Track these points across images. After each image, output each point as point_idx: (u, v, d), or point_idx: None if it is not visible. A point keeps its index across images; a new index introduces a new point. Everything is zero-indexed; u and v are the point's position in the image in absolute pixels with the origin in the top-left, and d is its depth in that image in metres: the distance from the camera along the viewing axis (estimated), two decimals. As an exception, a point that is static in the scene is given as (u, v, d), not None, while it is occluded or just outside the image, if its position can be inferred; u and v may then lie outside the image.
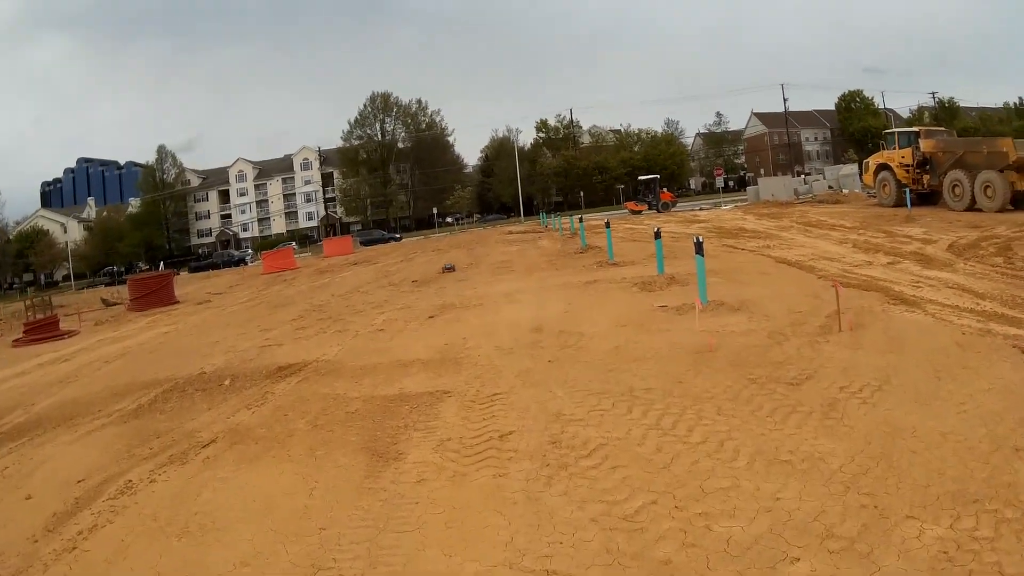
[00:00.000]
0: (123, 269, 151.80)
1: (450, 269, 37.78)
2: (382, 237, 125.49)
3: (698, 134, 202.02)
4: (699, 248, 18.76)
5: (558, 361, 14.68)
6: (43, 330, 36.07)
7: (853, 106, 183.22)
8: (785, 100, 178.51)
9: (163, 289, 47.06)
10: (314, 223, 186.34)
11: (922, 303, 17.32)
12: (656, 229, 26.10)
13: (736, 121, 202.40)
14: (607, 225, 33.53)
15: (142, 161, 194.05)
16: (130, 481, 10.85)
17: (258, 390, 15.65)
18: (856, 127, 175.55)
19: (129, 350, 25.58)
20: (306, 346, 20.45)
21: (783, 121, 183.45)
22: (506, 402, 12.21)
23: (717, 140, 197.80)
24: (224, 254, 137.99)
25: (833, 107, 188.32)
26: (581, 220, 46.23)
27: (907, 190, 48.72)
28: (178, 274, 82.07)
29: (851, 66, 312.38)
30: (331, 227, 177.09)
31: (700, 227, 48.19)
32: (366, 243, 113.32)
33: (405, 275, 39.54)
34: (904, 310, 16.70)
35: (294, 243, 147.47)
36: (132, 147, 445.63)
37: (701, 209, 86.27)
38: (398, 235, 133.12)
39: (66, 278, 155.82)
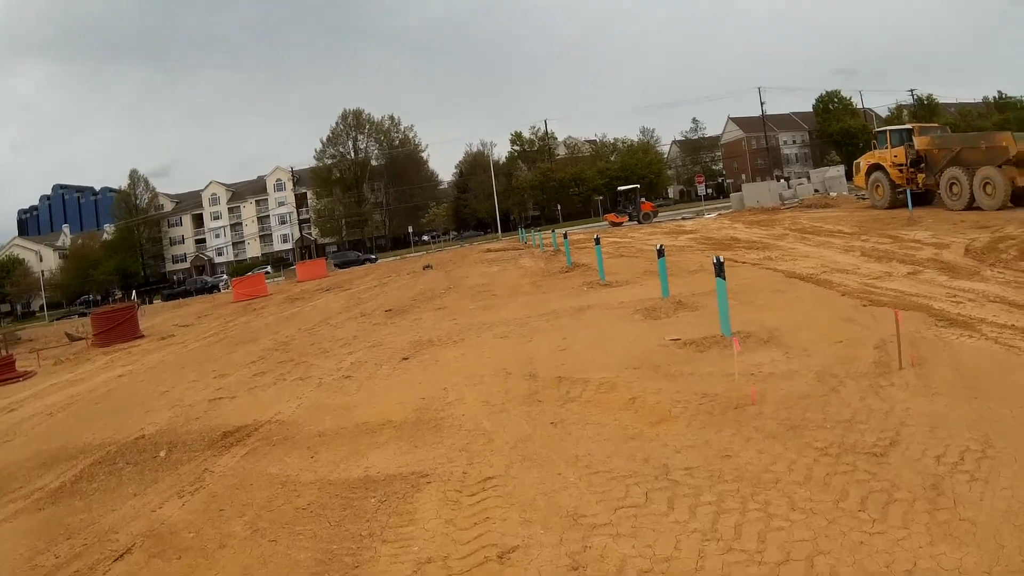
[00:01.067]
0: (99, 297, 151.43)
1: (429, 267, 35.50)
2: (357, 259, 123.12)
3: (674, 142, 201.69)
4: (720, 269, 15.89)
5: (563, 424, 11.80)
6: None
7: (831, 107, 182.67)
8: (762, 104, 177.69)
9: (127, 323, 44.71)
10: (289, 245, 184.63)
11: (974, 324, 15.00)
12: (659, 246, 23.31)
13: (712, 127, 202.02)
14: (597, 241, 30.56)
15: (118, 187, 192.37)
16: (16, 619, 8.13)
17: (196, 467, 12.93)
18: (835, 128, 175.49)
19: (77, 398, 23.37)
20: (261, 399, 17.73)
21: (760, 125, 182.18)
22: (503, 492, 9.32)
23: (694, 147, 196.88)
24: (197, 280, 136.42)
25: (810, 109, 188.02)
26: (566, 236, 43.06)
27: (907, 191, 46.62)
28: (142, 305, 79.55)
29: (823, 68, 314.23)
30: (306, 249, 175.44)
31: (688, 238, 46.10)
32: (341, 265, 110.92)
33: (379, 303, 36.71)
34: (959, 334, 14.31)
35: (269, 267, 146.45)
36: (111, 173, 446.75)
37: (684, 218, 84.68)
38: (374, 256, 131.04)
39: (43, 308, 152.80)
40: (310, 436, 13.62)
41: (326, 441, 13.14)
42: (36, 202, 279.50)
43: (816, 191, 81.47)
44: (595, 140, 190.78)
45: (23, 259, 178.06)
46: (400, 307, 32.62)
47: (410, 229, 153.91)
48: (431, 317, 27.31)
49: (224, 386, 20.46)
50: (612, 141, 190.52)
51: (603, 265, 29.98)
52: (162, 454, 14.14)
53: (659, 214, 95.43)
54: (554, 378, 14.76)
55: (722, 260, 16.04)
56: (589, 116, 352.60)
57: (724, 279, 15.79)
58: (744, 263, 28.67)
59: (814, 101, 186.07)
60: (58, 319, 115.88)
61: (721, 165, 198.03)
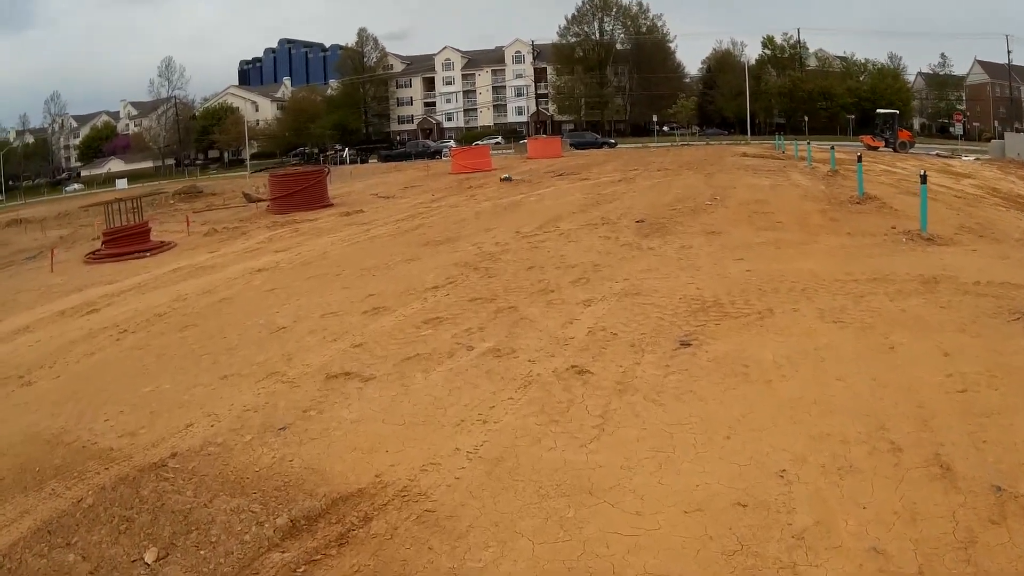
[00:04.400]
0: (315, 151, 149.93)
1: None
2: (595, 141, 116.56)
3: (920, 73, 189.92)
4: None
5: None
6: (125, 242, 28.62)
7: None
8: (1008, 52, 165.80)
9: (312, 188, 39.58)
10: (524, 118, 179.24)
11: None
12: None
13: (958, 66, 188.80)
14: (923, 179, 20.72)
15: (345, 44, 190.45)
16: None
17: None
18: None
19: (175, 307, 17.60)
20: (412, 399, 9.87)
21: (1005, 73, 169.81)
22: None
23: (940, 83, 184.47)
24: (419, 144, 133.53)
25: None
26: (860, 159, 33.35)
27: None
28: (355, 163, 74.35)
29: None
30: (541, 124, 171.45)
31: (971, 184, 36.69)
32: (577, 146, 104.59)
33: (626, 207, 27.92)
34: None
35: (499, 138, 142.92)
36: (338, 35, 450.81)
37: (939, 155, 74.83)
38: (613, 140, 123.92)
39: (253, 156, 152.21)
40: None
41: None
42: (260, 54, 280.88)
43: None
44: (845, 57, 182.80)
45: (237, 107, 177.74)
46: (655, 219, 24.11)
47: (654, 118, 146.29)
48: (705, 247, 18.78)
49: (369, 339, 12.78)
50: (863, 61, 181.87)
51: (926, 212, 20.50)
52: (148, 558, 6.84)
53: (914, 145, 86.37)
54: (1010, 496, 6.69)
55: None
56: (838, 31, 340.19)
57: None
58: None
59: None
60: (260, 171, 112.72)
61: (964, 106, 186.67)
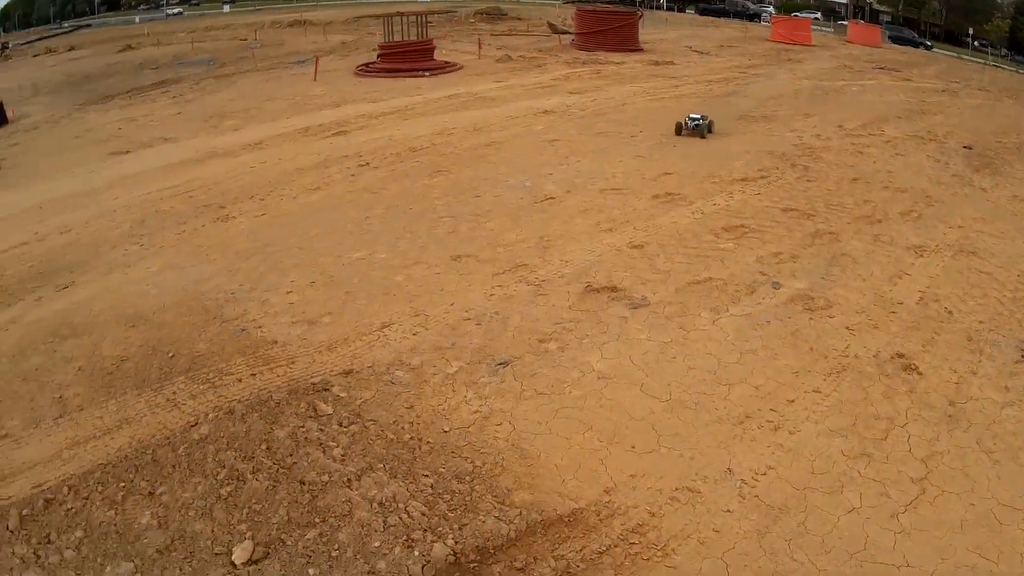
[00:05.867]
0: None
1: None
2: (912, 39, 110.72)
3: None
4: None
5: None
6: (403, 58, 26.77)
7: None
8: None
9: (622, 29, 37.32)
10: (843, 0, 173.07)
11: None
12: None
13: None
14: None
15: None
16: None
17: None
18: None
19: (435, 144, 15.66)
20: (696, 350, 7.58)
21: None
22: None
23: None
24: (738, 3, 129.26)
25: None
26: None
27: None
28: (644, 14, 71.05)
29: None
30: (860, 9, 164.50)
31: None
32: (894, 39, 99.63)
33: (951, 124, 23.41)
34: None
35: (819, 14, 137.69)
36: None
37: None
38: (929, 43, 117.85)
39: None
40: None
41: None
42: None
43: None
44: None
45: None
46: (983, 148, 20.57)
47: (970, 31, 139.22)
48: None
49: (652, 239, 10.33)
50: None
51: None
52: (236, 557, 4.89)
53: None
54: None
55: None
56: None
57: None
58: None
59: None
60: (571, 2, 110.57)
61: None
